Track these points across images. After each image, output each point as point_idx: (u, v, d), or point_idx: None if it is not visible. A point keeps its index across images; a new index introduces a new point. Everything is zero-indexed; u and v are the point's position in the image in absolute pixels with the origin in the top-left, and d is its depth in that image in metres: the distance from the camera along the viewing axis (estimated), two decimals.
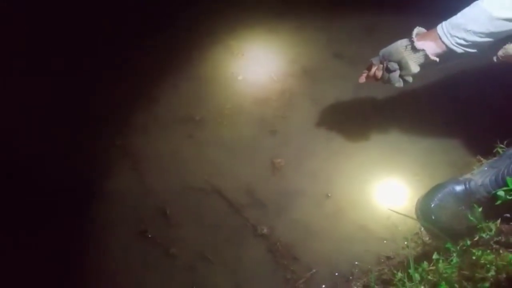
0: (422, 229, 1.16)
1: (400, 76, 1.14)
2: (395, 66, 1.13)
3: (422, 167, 1.30)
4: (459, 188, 1.05)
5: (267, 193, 1.33)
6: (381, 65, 1.17)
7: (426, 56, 1.09)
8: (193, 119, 1.46)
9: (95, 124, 1.48)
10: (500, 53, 1.06)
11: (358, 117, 1.41)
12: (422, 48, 1.09)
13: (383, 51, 1.16)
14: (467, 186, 1.04)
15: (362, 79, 1.22)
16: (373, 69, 1.18)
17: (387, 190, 1.30)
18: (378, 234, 1.23)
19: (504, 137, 1.17)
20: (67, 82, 1.57)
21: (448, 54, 1.09)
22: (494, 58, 1.07)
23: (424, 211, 1.04)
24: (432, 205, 1.04)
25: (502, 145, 1.16)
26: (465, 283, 0.84)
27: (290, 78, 1.51)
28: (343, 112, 1.42)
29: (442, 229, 1.01)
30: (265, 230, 1.27)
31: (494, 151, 1.18)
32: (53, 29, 1.65)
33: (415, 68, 1.12)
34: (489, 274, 0.84)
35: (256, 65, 1.54)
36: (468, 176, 1.07)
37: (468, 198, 1.03)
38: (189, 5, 1.66)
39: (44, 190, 1.39)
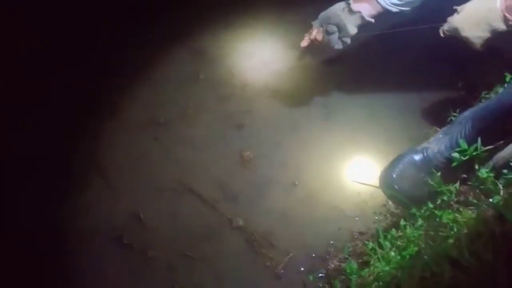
0: (389, 201, 1.21)
1: (339, 38, 1.20)
2: (334, 28, 1.20)
3: (384, 144, 1.36)
4: (417, 157, 1.10)
5: (239, 186, 1.34)
6: (321, 28, 1.22)
7: (362, 17, 1.17)
8: (157, 121, 1.46)
9: (56, 135, 1.45)
10: (445, 27, 1.12)
11: (319, 102, 1.45)
12: (358, 10, 1.16)
13: (322, 14, 1.23)
14: (425, 154, 1.09)
15: (304, 43, 1.28)
16: (314, 32, 1.24)
17: (354, 169, 1.34)
18: (350, 212, 1.27)
19: (456, 107, 1.22)
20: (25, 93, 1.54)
21: (383, 15, 1.16)
22: (441, 33, 1.14)
23: (387, 182, 1.09)
24: (394, 176, 1.08)
25: (455, 114, 1.22)
26: (431, 243, 0.88)
27: (250, 72, 1.53)
28: (304, 99, 1.46)
29: (406, 197, 1.06)
30: (240, 222, 1.29)
31: (448, 120, 1.25)
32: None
33: (352, 30, 1.19)
34: (452, 232, 0.88)
35: (216, 62, 1.55)
36: (425, 145, 1.12)
37: (427, 165, 1.08)
38: (143, 6, 1.65)
39: (10, 201, 1.36)
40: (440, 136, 1.11)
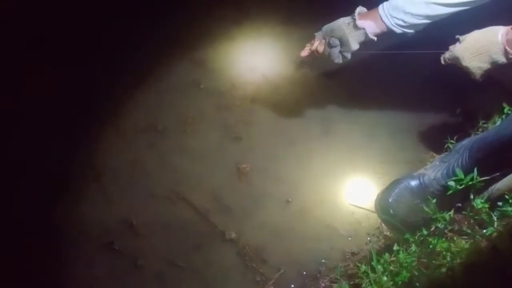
0: (383, 224, 1.22)
1: (340, 52, 1.21)
2: (336, 42, 1.19)
3: (380, 165, 1.36)
4: (414, 183, 1.11)
5: (234, 198, 1.34)
6: (323, 40, 1.22)
7: (366, 34, 1.17)
8: (155, 129, 1.45)
9: (54, 137, 1.44)
10: (447, 55, 1.14)
11: (317, 119, 1.45)
12: (363, 26, 1.16)
13: (326, 27, 1.22)
14: (421, 180, 1.10)
15: (304, 53, 1.27)
16: (316, 44, 1.23)
17: (349, 189, 1.35)
18: (343, 232, 1.27)
19: (453, 133, 1.24)
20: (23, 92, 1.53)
21: (386, 35, 1.17)
22: (442, 60, 1.15)
23: (382, 206, 1.09)
24: (390, 200, 1.09)
25: (452, 141, 1.23)
26: (423, 270, 0.89)
27: (251, 85, 1.53)
28: (303, 115, 1.47)
29: (400, 222, 1.06)
30: (233, 235, 1.28)
31: (445, 146, 1.26)
32: None
33: (354, 46, 1.19)
34: (445, 261, 0.89)
35: (218, 73, 1.55)
36: (421, 171, 1.13)
37: (423, 191, 1.09)
38: (146, 15, 1.65)
39: (2, 203, 1.34)
40: (437, 163, 1.12)
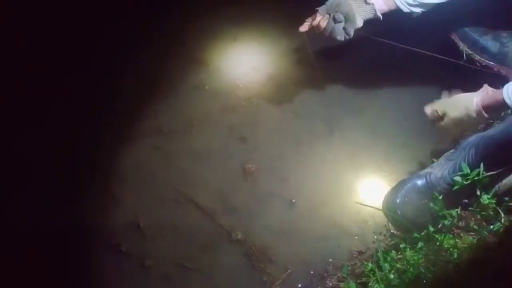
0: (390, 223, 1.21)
1: (343, 28, 1.17)
2: (342, 17, 1.16)
3: (386, 163, 1.35)
4: (420, 182, 1.10)
5: (240, 199, 1.34)
6: (327, 15, 1.18)
7: (374, 11, 1.14)
8: (161, 131, 1.46)
9: (61, 140, 1.45)
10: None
11: (323, 118, 1.45)
12: (372, 2, 1.13)
13: (331, 1, 1.18)
14: (428, 179, 1.09)
15: (304, 28, 1.23)
16: (318, 19, 1.18)
17: (355, 188, 1.34)
18: (349, 231, 1.27)
19: None
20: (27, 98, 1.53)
21: (392, 14, 1.15)
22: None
23: (390, 207, 1.09)
24: (398, 201, 1.08)
25: None
26: (430, 267, 0.88)
27: (256, 85, 1.54)
28: (308, 115, 1.46)
29: (408, 222, 1.05)
30: (240, 235, 1.29)
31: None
32: None
33: (359, 22, 1.16)
34: (452, 257, 0.88)
35: (222, 74, 1.56)
36: (428, 170, 1.13)
37: (430, 191, 1.08)
38: (147, 15, 1.66)
39: (8, 206, 1.36)
40: (443, 161, 1.11)
